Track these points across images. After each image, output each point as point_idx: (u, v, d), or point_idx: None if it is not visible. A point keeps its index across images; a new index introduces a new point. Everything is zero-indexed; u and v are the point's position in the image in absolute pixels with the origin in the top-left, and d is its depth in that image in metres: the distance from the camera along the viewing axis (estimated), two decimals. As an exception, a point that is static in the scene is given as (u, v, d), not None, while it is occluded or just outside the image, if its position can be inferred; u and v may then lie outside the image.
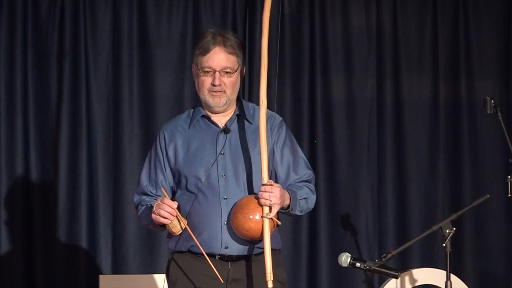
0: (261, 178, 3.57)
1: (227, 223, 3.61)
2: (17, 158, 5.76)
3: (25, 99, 5.79)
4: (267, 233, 3.50)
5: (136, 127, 5.88)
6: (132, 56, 5.89)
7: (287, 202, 3.61)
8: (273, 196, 3.51)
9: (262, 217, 3.51)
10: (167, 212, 3.56)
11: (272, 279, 3.48)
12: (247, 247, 3.63)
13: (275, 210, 3.53)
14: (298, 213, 3.69)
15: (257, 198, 3.53)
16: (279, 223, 3.58)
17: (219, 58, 3.66)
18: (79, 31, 5.82)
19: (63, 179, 5.77)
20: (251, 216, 3.51)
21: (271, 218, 3.52)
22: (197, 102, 3.79)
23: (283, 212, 3.67)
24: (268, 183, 3.53)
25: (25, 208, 5.73)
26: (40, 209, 5.75)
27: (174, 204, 3.57)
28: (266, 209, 3.52)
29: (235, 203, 3.59)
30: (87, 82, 5.83)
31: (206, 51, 3.67)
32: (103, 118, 5.85)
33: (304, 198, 3.70)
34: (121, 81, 5.88)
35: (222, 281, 3.58)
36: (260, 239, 3.54)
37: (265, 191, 3.51)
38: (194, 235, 3.60)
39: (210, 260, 3.58)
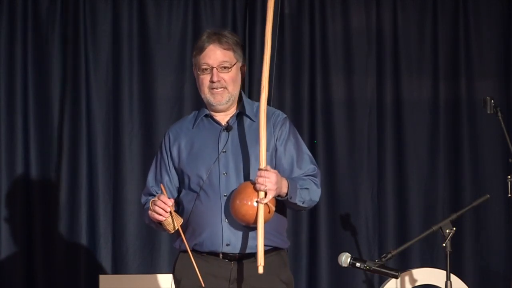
0: None
1: (227, 221, 3.61)
2: (17, 158, 5.76)
3: (25, 99, 5.79)
4: (261, 218, 3.48)
5: (136, 127, 5.88)
6: (132, 56, 5.89)
7: (284, 189, 3.58)
8: (269, 181, 3.49)
9: (256, 201, 3.50)
10: (161, 208, 3.57)
11: (262, 264, 3.46)
12: (249, 245, 3.62)
13: (270, 195, 3.51)
14: (300, 203, 3.66)
15: (254, 184, 3.52)
16: (274, 208, 3.56)
17: (215, 54, 3.67)
18: (79, 31, 5.83)
19: (63, 179, 5.77)
20: (249, 203, 3.50)
21: (266, 204, 3.50)
22: (197, 102, 3.80)
23: (283, 200, 3.63)
24: (264, 169, 3.52)
25: (25, 208, 5.74)
26: (40, 209, 5.75)
27: (170, 201, 3.57)
28: (262, 194, 3.50)
29: (234, 188, 3.59)
30: (87, 82, 5.83)
31: (202, 49, 3.69)
32: (103, 118, 5.85)
33: (306, 188, 3.68)
34: (121, 81, 5.88)
35: (203, 285, 3.57)
36: (256, 225, 3.51)
37: (261, 176, 3.50)
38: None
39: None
